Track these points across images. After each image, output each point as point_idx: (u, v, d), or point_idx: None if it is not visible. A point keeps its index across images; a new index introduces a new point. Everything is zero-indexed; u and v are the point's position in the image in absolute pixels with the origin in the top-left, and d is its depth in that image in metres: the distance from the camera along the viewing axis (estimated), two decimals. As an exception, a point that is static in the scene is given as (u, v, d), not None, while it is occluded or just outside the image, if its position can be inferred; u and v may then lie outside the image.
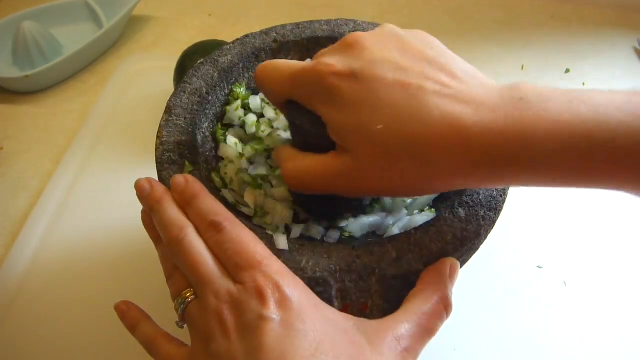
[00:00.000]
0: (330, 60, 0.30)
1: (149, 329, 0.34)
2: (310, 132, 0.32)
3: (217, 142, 0.42)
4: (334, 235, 0.35)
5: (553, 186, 0.27)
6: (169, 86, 0.62)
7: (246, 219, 0.35)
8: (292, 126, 0.35)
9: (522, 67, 0.77)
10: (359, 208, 0.38)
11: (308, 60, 0.37)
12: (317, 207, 0.37)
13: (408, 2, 0.89)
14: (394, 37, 0.31)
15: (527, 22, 0.86)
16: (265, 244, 0.31)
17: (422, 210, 0.38)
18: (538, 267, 0.52)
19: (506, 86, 0.28)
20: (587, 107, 0.25)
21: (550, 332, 0.47)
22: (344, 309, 0.31)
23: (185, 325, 0.31)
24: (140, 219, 0.36)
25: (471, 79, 0.29)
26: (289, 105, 0.34)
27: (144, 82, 0.71)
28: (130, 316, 0.35)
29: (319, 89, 0.30)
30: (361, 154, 0.29)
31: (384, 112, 0.28)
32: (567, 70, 0.77)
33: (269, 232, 0.33)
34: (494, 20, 0.86)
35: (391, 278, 0.31)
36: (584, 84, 0.75)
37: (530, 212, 0.57)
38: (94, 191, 0.58)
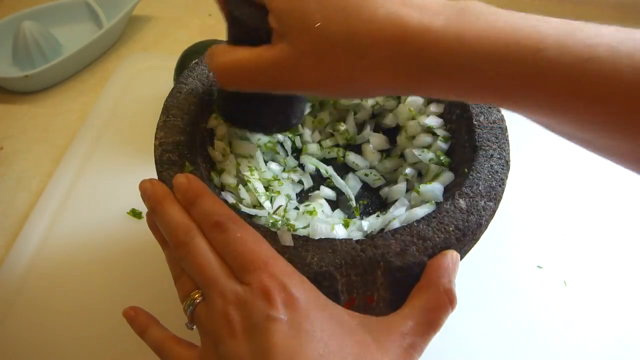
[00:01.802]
0: None
1: (158, 333, 0.34)
2: (248, 24, 0.32)
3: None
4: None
5: (479, 100, 0.28)
6: (169, 86, 0.61)
7: (248, 217, 0.35)
8: (231, 19, 0.34)
9: (522, 67, 0.77)
10: (284, 122, 0.38)
11: None
12: (243, 115, 0.38)
13: (408, 2, 0.89)
14: None
15: (527, 22, 0.85)
16: (270, 242, 0.31)
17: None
18: (538, 267, 0.52)
19: None
20: (524, 21, 0.25)
21: (550, 332, 0.47)
22: (350, 302, 0.31)
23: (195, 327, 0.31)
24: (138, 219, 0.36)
25: None
26: None
27: (144, 82, 0.71)
28: (138, 321, 0.35)
29: None
30: (299, 42, 0.29)
31: (330, 4, 0.28)
32: (567, 70, 0.77)
33: (273, 229, 0.33)
34: (494, 20, 0.86)
35: (396, 270, 0.32)
36: (584, 83, 0.75)
37: (530, 212, 0.57)
38: (94, 191, 0.58)
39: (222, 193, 0.38)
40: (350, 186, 0.44)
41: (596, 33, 0.24)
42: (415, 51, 0.27)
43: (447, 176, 0.39)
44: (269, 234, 0.33)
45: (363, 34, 0.27)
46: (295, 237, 0.33)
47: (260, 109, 0.37)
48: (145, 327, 0.34)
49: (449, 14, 0.27)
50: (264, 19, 0.31)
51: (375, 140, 0.47)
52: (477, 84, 0.26)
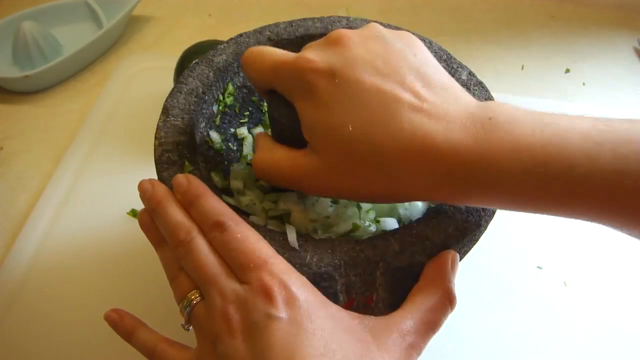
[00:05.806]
0: (312, 55, 0.30)
1: (148, 336, 0.33)
2: (287, 126, 0.33)
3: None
4: None
5: (519, 210, 0.28)
6: (169, 86, 0.62)
7: (247, 218, 0.35)
8: (270, 118, 0.35)
9: (522, 67, 0.77)
10: None
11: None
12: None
13: (408, 2, 0.89)
14: (379, 38, 0.31)
15: (527, 22, 0.86)
16: (269, 241, 0.31)
17: None
18: (538, 267, 0.52)
19: (480, 104, 0.28)
20: (552, 132, 0.26)
21: (550, 332, 0.47)
22: (349, 303, 0.31)
23: (191, 329, 0.31)
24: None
25: (447, 93, 0.29)
26: (270, 96, 0.34)
27: (144, 82, 0.71)
28: (123, 325, 0.34)
29: (298, 83, 0.30)
30: (329, 156, 0.30)
31: (356, 117, 0.28)
32: (567, 70, 0.77)
33: (270, 227, 0.33)
34: (494, 20, 0.86)
35: (395, 271, 0.32)
36: (584, 84, 0.75)
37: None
38: (93, 191, 0.58)
39: (223, 196, 0.38)
40: None
41: (627, 139, 0.25)
42: (445, 172, 0.27)
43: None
44: (269, 234, 0.33)
45: (390, 152, 0.28)
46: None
47: None
48: (132, 330, 0.34)
49: (476, 129, 0.27)
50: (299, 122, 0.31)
51: None
52: (514, 200, 0.27)
